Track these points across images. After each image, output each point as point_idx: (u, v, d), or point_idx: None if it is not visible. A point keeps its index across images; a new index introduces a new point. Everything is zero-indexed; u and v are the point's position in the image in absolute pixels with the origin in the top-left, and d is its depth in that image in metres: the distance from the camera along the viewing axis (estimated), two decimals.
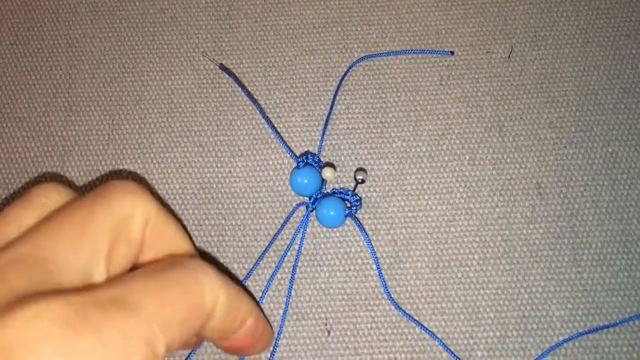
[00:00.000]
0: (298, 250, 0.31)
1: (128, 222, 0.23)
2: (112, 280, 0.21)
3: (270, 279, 0.31)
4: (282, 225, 0.31)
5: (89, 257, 0.21)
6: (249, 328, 0.24)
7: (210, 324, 0.22)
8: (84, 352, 0.17)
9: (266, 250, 0.31)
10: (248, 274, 0.31)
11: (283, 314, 0.30)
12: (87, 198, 0.23)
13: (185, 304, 0.21)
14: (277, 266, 0.31)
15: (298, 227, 0.31)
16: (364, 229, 0.30)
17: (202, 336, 0.24)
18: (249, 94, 0.33)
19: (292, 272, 0.31)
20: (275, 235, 0.31)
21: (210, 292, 0.22)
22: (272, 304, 0.30)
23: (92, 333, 0.18)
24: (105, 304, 0.19)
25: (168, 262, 0.22)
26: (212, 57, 0.34)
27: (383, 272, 0.30)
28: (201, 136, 0.33)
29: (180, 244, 0.25)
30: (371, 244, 0.30)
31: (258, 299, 0.30)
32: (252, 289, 0.31)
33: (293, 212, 0.31)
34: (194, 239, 0.31)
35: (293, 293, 0.30)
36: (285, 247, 0.31)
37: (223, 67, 0.33)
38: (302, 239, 0.31)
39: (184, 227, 0.28)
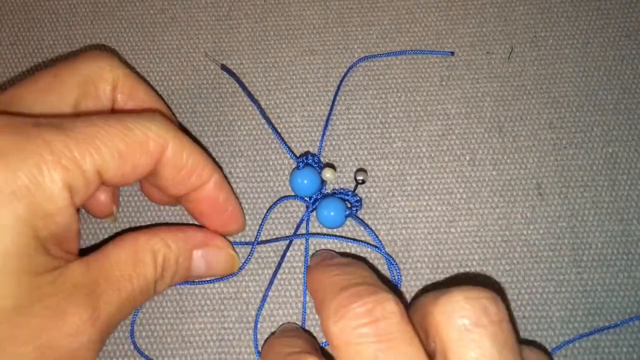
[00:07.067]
0: (305, 251, 0.31)
1: (96, 81, 0.25)
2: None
3: (271, 279, 0.31)
4: (265, 216, 0.31)
5: (55, 106, 0.24)
6: (210, 191, 0.27)
7: (164, 170, 0.24)
8: (5, 149, 0.20)
9: (253, 244, 0.31)
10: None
11: (303, 317, 0.30)
12: (60, 63, 0.26)
13: (123, 139, 0.23)
14: (276, 268, 0.31)
15: (298, 225, 0.31)
16: (368, 227, 0.30)
17: (162, 187, 0.26)
18: (249, 94, 0.33)
19: (304, 273, 0.31)
20: (259, 228, 0.31)
21: (155, 135, 0.24)
22: (273, 305, 0.30)
23: (17, 136, 0.21)
24: (41, 123, 0.21)
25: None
26: (214, 58, 0.34)
27: (383, 272, 0.30)
28: (201, 136, 0.33)
29: (153, 104, 0.28)
30: (379, 239, 0.30)
31: (260, 302, 0.30)
32: (252, 289, 0.31)
33: (276, 204, 0.31)
34: None
35: (292, 293, 0.30)
36: (285, 247, 0.31)
37: (225, 68, 0.33)
38: (306, 241, 0.31)
39: (157, 94, 0.29)
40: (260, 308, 0.30)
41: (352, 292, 0.21)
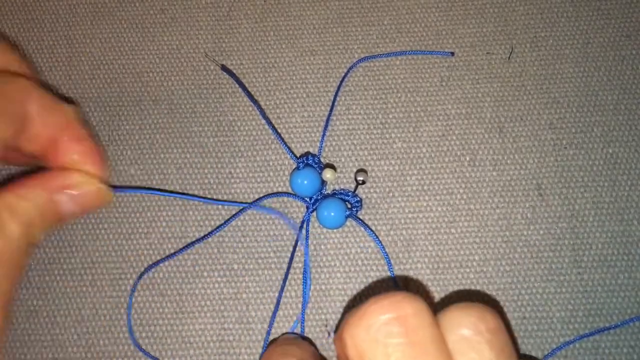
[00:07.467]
0: (305, 253, 0.31)
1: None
2: None
3: (282, 285, 0.31)
4: (261, 199, 0.31)
5: None
6: (70, 123, 0.27)
7: (33, 108, 0.25)
8: None
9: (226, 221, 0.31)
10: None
11: (302, 317, 0.30)
12: None
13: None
14: (286, 271, 0.31)
15: (300, 225, 0.31)
16: (368, 227, 0.30)
17: (33, 137, 0.26)
18: (249, 95, 0.33)
19: (304, 275, 0.31)
20: (255, 201, 0.31)
21: (20, 86, 0.25)
22: (272, 305, 0.30)
23: None
24: None
25: None
26: (214, 58, 0.34)
27: (383, 272, 0.30)
28: (201, 137, 0.33)
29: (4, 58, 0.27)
30: (379, 239, 0.30)
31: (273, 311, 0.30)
32: (252, 289, 0.31)
33: (273, 196, 0.31)
34: (194, 238, 0.31)
35: (293, 294, 0.30)
36: (285, 247, 0.31)
37: (225, 68, 0.33)
38: (307, 240, 0.31)
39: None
40: (273, 317, 0.30)
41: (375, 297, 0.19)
